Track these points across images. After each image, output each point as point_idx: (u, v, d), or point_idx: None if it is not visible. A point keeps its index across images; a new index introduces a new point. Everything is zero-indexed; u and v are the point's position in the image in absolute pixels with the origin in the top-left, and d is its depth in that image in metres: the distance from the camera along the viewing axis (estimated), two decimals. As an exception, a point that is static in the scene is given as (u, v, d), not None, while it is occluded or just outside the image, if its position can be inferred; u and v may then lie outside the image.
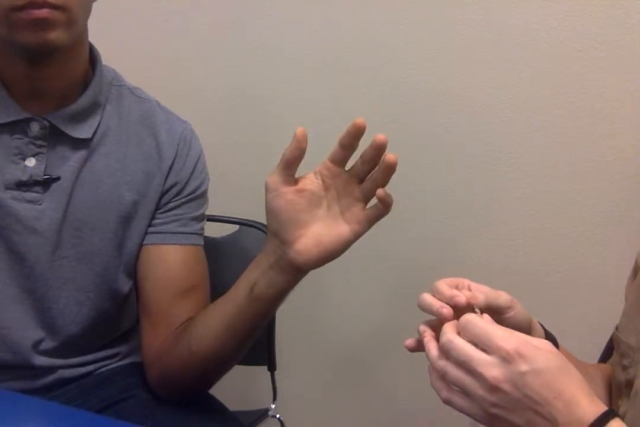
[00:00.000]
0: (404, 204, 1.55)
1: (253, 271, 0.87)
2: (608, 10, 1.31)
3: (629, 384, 0.76)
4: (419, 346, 0.71)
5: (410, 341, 0.71)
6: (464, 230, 1.50)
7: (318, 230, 0.81)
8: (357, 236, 0.82)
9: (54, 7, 0.85)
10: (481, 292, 0.71)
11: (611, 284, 1.41)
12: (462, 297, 0.68)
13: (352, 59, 1.50)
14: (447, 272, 1.55)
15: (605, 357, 1.04)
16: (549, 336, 0.78)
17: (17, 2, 0.84)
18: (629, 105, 1.34)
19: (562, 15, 1.34)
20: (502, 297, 0.72)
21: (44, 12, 0.85)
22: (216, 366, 0.95)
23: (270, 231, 0.83)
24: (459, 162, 1.47)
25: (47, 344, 1.00)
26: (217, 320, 0.92)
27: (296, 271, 0.84)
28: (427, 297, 0.71)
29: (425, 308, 0.70)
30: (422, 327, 0.70)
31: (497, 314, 0.71)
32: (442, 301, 0.69)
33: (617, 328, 0.84)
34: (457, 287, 0.73)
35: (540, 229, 1.45)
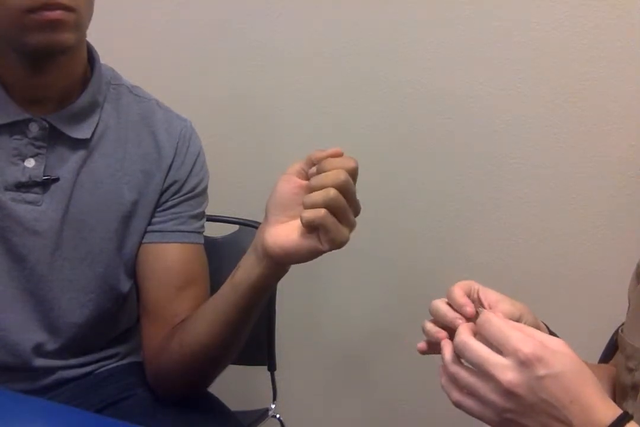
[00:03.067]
0: (403, 204, 1.56)
1: (242, 259, 0.87)
2: (609, 10, 1.32)
3: (635, 386, 0.75)
4: (431, 348, 0.70)
5: (422, 345, 0.70)
6: (464, 230, 1.50)
7: (297, 225, 0.80)
8: (311, 247, 0.78)
9: (67, 8, 0.86)
10: (494, 303, 0.69)
11: (611, 284, 1.41)
12: (471, 310, 0.66)
13: (352, 59, 1.50)
14: (447, 273, 1.56)
15: (606, 357, 1.03)
16: None
17: (32, 4, 0.84)
18: (629, 105, 1.34)
19: (563, 15, 1.34)
20: (513, 316, 0.70)
21: (57, 14, 0.85)
22: (208, 361, 0.94)
23: (265, 210, 0.83)
24: (459, 162, 1.47)
25: (48, 346, 1.00)
26: (203, 312, 0.92)
27: (268, 258, 0.82)
28: (441, 306, 0.69)
29: (438, 316, 0.68)
30: (429, 326, 0.69)
31: None
32: (453, 308, 0.68)
33: (621, 330, 0.83)
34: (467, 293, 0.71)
35: (540, 229, 1.45)
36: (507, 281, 1.46)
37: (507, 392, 0.58)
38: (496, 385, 0.59)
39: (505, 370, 0.58)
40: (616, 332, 0.98)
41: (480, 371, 0.60)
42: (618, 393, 0.80)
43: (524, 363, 0.58)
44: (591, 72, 1.35)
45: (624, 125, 1.35)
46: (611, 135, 1.36)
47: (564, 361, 0.59)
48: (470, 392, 0.61)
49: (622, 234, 1.39)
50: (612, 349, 1.00)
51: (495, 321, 0.62)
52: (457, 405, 0.63)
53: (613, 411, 0.58)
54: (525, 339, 0.59)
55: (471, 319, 0.66)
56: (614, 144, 1.36)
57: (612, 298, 1.38)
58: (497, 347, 0.60)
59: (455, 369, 0.62)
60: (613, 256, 1.40)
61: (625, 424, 0.57)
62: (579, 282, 1.44)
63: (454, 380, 0.62)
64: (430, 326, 0.69)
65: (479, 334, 0.62)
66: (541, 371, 0.57)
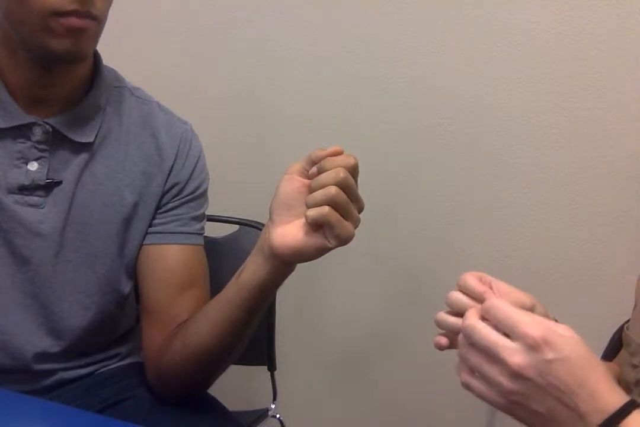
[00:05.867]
0: (403, 204, 1.56)
1: (247, 259, 0.87)
2: (608, 10, 1.32)
3: (639, 383, 0.75)
4: (453, 342, 0.68)
5: (444, 340, 0.68)
6: (464, 230, 1.50)
7: (302, 224, 0.80)
8: (318, 244, 0.79)
9: (93, 18, 0.87)
10: (505, 295, 0.68)
11: (611, 284, 1.41)
12: (492, 295, 0.66)
13: (352, 59, 1.50)
14: (447, 273, 1.56)
15: (607, 356, 1.04)
16: None
17: (63, 8, 0.85)
18: (629, 105, 1.34)
19: (563, 15, 1.34)
20: (525, 305, 0.68)
21: (84, 22, 0.86)
22: (210, 361, 0.94)
23: (269, 210, 0.83)
24: (459, 162, 1.47)
25: (50, 349, 1.00)
26: (208, 312, 0.92)
27: (276, 258, 0.82)
28: (461, 297, 0.67)
29: (458, 308, 0.67)
30: (448, 317, 0.67)
31: None
32: (468, 295, 0.67)
33: (626, 327, 0.83)
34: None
35: (541, 229, 1.45)
36: (507, 281, 1.46)
37: (515, 374, 0.58)
38: (504, 367, 0.59)
39: (513, 353, 0.58)
40: (618, 330, 0.98)
41: (489, 353, 0.60)
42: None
43: (532, 346, 0.58)
44: (591, 72, 1.35)
45: (624, 125, 1.35)
46: (611, 136, 1.36)
47: (572, 346, 0.58)
48: (479, 374, 0.61)
49: (623, 234, 1.39)
50: (614, 348, 1.00)
51: (502, 305, 0.61)
52: (466, 386, 0.62)
53: (620, 398, 0.58)
54: (534, 323, 0.59)
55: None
56: (614, 144, 1.37)
57: (613, 298, 1.38)
58: (505, 332, 0.60)
59: (465, 349, 0.62)
60: (613, 256, 1.40)
61: (631, 411, 0.57)
62: (579, 283, 1.44)
63: (465, 360, 0.62)
64: (449, 318, 0.68)
65: (486, 321, 0.62)
66: (549, 355, 0.57)
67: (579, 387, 0.57)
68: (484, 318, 0.62)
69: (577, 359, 0.58)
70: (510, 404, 0.60)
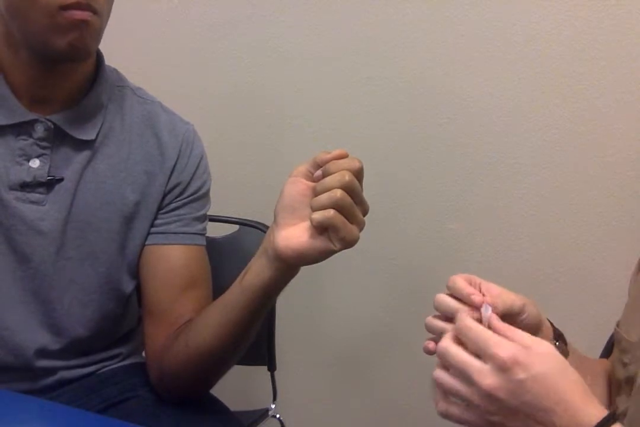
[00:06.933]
0: (403, 204, 1.56)
1: (251, 261, 0.87)
2: (608, 10, 1.32)
3: (629, 381, 0.75)
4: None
5: (432, 345, 0.68)
6: (464, 231, 1.50)
7: (307, 227, 0.80)
8: (322, 247, 0.79)
9: (94, 11, 0.88)
10: (496, 296, 0.68)
11: (611, 284, 1.41)
12: (479, 298, 0.66)
13: (353, 59, 1.50)
14: (447, 273, 1.56)
15: (605, 356, 1.04)
16: (556, 333, 0.77)
17: (65, 1, 0.85)
18: (629, 105, 1.34)
19: (563, 15, 1.34)
20: (515, 305, 0.70)
21: (85, 15, 0.87)
22: (213, 362, 0.94)
23: (274, 213, 0.84)
24: (459, 162, 1.47)
25: (50, 347, 1.00)
26: (211, 313, 0.92)
27: (280, 260, 0.82)
28: (448, 300, 0.68)
29: (444, 310, 0.67)
30: (434, 321, 0.68)
31: (508, 318, 0.69)
32: (456, 297, 0.67)
33: (618, 324, 0.83)
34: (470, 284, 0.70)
35: (541, 230, 1.45)
36: (506, 281, 1.46)
37: (488, 395, 0.58)
38: (477, 389, 0.59)
39: (484, 374, 0.58)
40: (615, 330, 0.98)
41: (461, 375, 0.60)
42: (613, 388, 0.80)
43: (502, 368, 0.58)
44: (591, 72, 1.35)
45: (623, 125, 1.35)
46: (611, 135, 1.36)
47: (542, 361, 0.58)
48: (455, 397, 0.61)
49: (622, 234, 1.39)
50: (610, 347, 1.00)
51: (473, 325, 0.62)
52: (444, 414, 0.63)
53: (598, 411, 0.58)
54: (503, 343, 0.59)
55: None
56: (614, 144, 1.37)
57: (612, 298, 1.38)
58: (477, 353, 0.60)
59: (438, 373, 0.62)
60: (613, 255, 1.41)
61: (610, 425, 0.57)
62: (579, 282, 1.44)
63: (439, 385, 0.62)
64: (437, 321, 0.68)
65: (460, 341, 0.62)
66: (521, 375, 0.57)
67: (554, 403, 0.57)
68: (459, 340, 0.62)
69: (549, 375, 0.58)
70: (490, 425, 0.60)
